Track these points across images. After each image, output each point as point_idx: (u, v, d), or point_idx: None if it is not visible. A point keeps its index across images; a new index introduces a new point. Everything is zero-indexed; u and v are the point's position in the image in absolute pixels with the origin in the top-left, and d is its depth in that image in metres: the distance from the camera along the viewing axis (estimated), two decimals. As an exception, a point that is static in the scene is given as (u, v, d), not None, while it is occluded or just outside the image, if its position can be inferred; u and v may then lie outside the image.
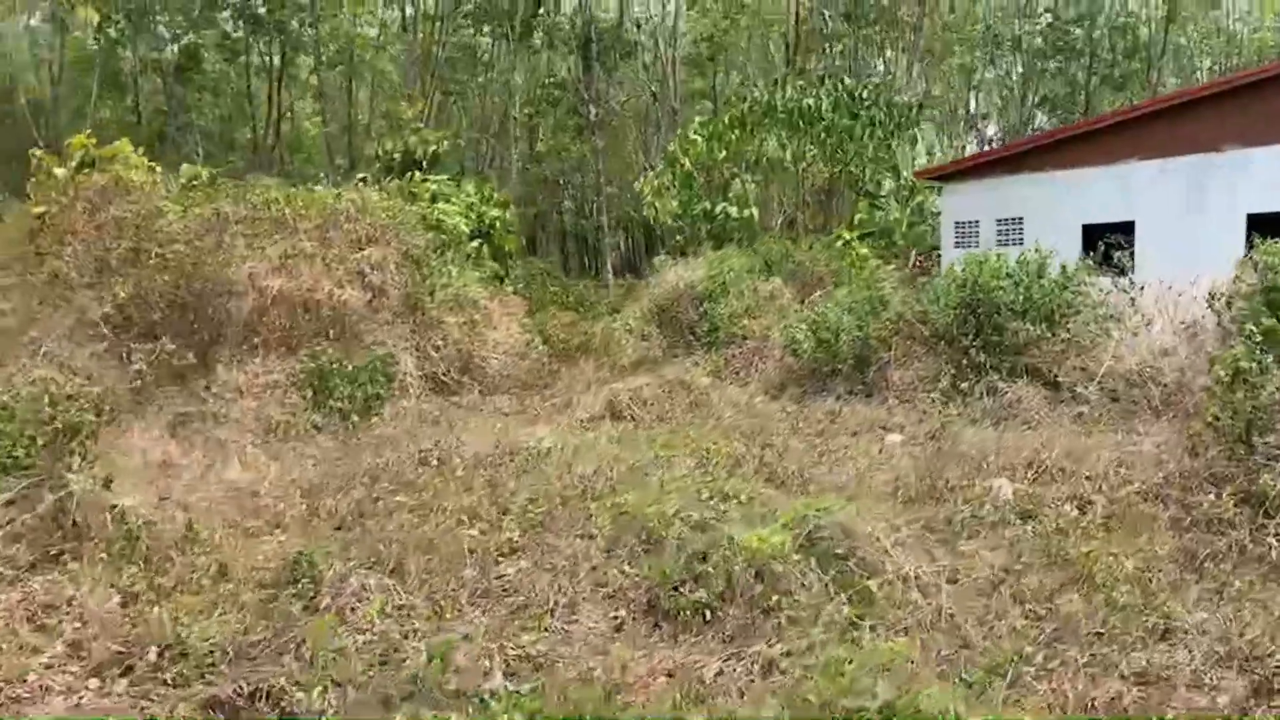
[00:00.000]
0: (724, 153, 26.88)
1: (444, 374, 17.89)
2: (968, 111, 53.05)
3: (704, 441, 11.99)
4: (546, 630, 6.78)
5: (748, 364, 19.78)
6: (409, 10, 40.15)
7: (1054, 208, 27.09)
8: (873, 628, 6.24)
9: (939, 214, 29.56)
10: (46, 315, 15.57)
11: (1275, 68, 23.97)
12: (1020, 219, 29.25)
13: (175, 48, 48.02)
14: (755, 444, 12.18)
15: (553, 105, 44.21)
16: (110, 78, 48.70)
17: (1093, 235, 23.40)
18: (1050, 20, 50.01)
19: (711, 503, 8.46)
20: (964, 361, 15.66)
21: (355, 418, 14.14)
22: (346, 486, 9.84)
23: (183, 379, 14.98)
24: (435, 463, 10.73)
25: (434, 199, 21.76)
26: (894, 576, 6.90)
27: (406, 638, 6.46)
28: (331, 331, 16.96)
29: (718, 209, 26.92)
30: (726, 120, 27.24)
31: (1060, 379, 15.23)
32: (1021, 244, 29.29)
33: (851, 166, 28.11)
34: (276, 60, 42.47)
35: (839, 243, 22.59)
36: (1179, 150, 26.59)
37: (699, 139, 26.93)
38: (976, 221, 31.24)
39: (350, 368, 14.88)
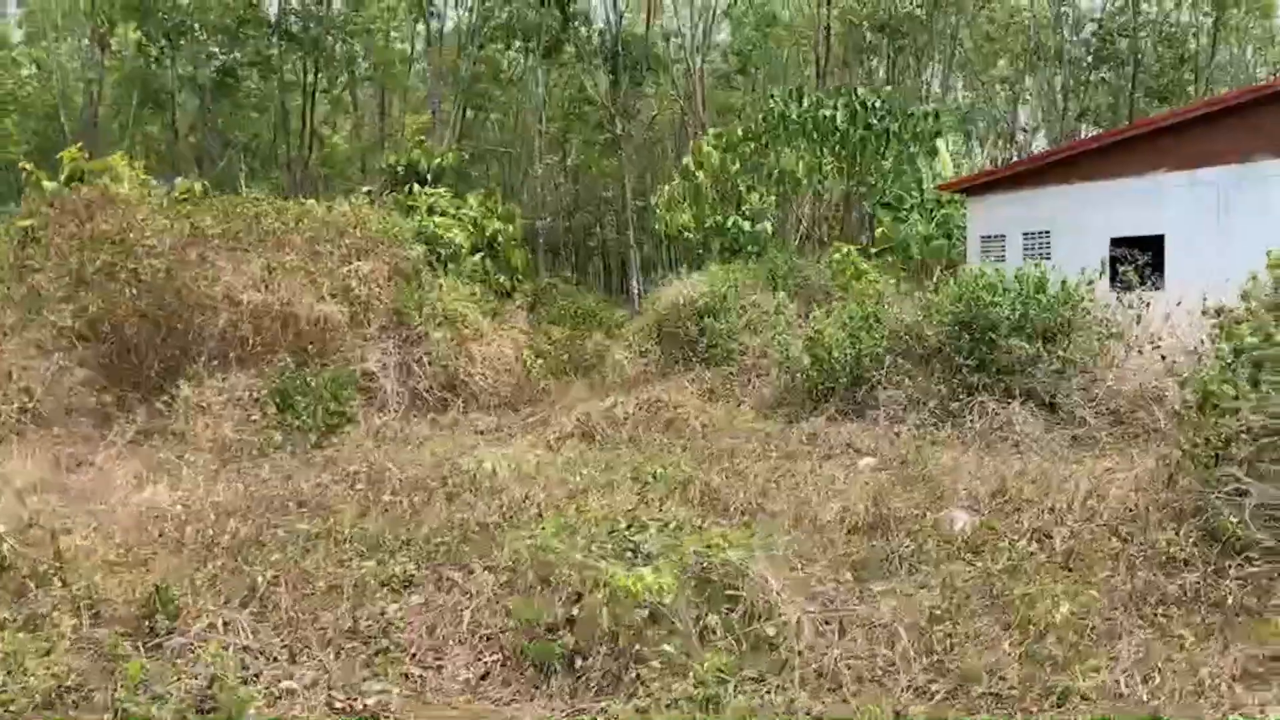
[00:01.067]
0: (736, 165, 26.27)
1: (426, 390, 17.47)
2: (1009, 124, 51.92)
3: (658, 465, 11.35)
4: (404, 677, 6.23)
5: (745, 382, 19.15)
6: (435, 25, 40.04)
7: (1081, 221, 26.13)
8: (740, 685, 5.59)
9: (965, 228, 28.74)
10: (19, 329, 15.44)
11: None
12: (1048, 232, 28.34)
13: (213, 65, 48.54)
14: (715, 468, 11.53)
15: (582, 120, 43.98)
16: (150, 96, 49.46)
17: (1122, 249, 22.51)
18: (1095, 29, 48.80)
19: (625, 534, 7.84)
20: (956, 381, 14.87)
21: (314, 436, 13.73)
22: (258, 511, 9.38)
23: (148, 395, 14.73)
24: (361, 486, 10.25)
25: (430, 212, 21.42)
26: (787, 623, 6.23)
27: (245, 683, 5.94)
28: (311, 347, 16.66)
29: (729, 222, 26.28)
30: (741, 132, 26.64)
31: (1058, 400, 14.38)
32: (1049, 258, 28.35)
33: (869, 179, 27.32)
34: (310, 77, 42.58)
35: (837, 256, 21.80)
36: (1209, 161, 25.61)
37: (712, 151, 26.35)
38: (1003, 235, 30.38)
39: (313, 384, 14.49)
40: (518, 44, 41.61)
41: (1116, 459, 11.87)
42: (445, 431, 15.11)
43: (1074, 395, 14.31)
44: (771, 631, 6.17)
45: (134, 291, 15.42)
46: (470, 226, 22.66)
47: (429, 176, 23.83)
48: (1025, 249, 28.93)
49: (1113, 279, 17.81)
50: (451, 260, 21.54)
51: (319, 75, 44.36)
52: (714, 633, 6.12)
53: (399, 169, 23.69)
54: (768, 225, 25.97)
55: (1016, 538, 8.76)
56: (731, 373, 19.33)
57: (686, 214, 26.86)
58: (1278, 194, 22.64)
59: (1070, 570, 8.10)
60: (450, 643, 6.62)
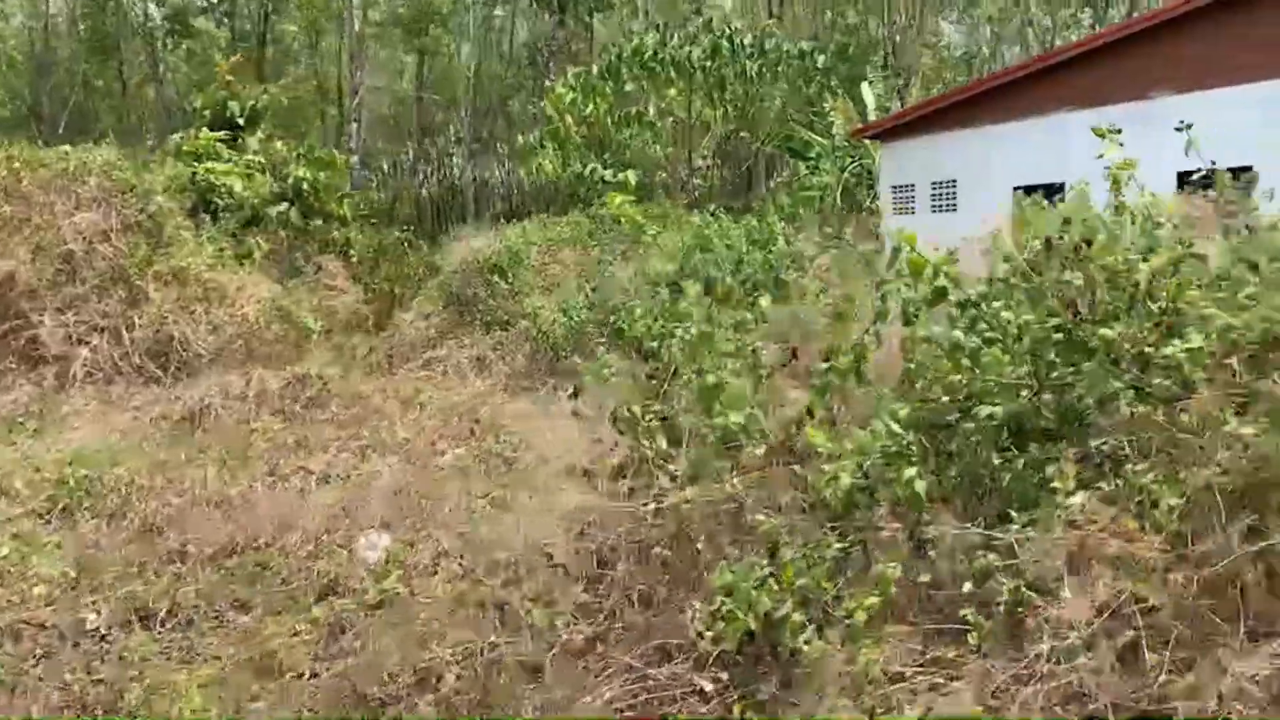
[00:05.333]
0: (591, 107, 23.94)
1: (121, 358, 15.67)
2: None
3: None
4: None
5: (514, 349, 17.12)
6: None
7: (986, 168, 23.52)
8: None
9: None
10: None
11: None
12: (955, 181, 25.73)
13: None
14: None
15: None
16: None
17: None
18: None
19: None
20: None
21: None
22: None
23: None
24: None
25: (199, 158, 19.52)
26: None
27: None
28: (-14, 311, 14.97)
29: (588, 170, 24.01)
30: (597, 71, 24.28)
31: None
32: (955, 210, 25.72)
33: (760, 123, 24.83)
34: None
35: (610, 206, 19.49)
36: (1114, 98, 22.72)
37: (565, 93, 24.04)
38: (912, 185, 27.74)
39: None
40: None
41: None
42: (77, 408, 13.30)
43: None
44: None
45: None
46: (261, 174, 20.74)
47: (240, 121, 21.90)
48: (933, 201, 26.33)
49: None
50: (231, 211, 19.66)
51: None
52: None
53: (205, 113, 21.81)
54: (630, 175, 23.67)
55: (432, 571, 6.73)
56: (501, 339, 17.28)
57: (548, 162, 24.69)
58: (1173, 134, 19.92)
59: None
60: None
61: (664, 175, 25.73)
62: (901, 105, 31.64)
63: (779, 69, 24.20)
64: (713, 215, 19.50)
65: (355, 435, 11.39)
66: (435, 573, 6.46)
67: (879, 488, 4.49)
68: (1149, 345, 4.08)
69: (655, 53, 23.65)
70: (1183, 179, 20.98)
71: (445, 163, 41.50)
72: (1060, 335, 4.34)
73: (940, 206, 25.88)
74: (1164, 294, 4.23)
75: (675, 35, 24.72)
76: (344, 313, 19.80)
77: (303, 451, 10.66)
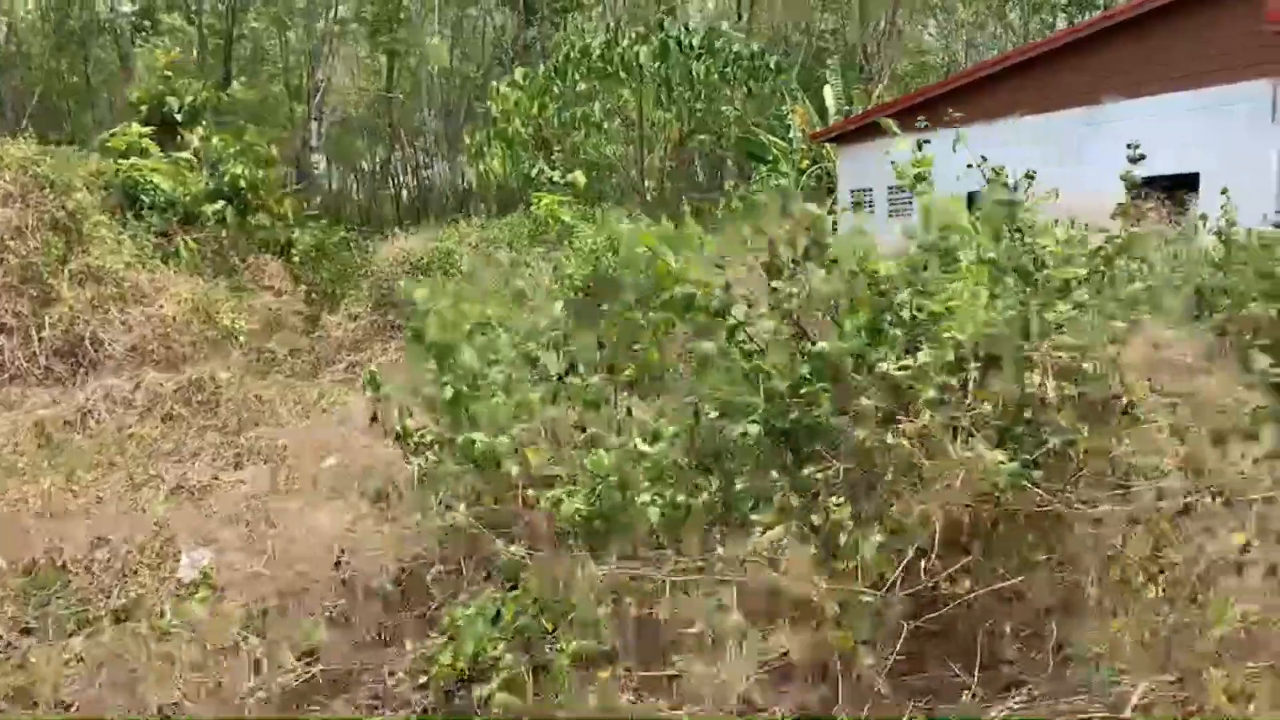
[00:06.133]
0: (535, 107, 23.53)
1: (28, 359, 15.25)
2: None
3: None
4: None
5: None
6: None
7: (939, 172, 23.21)
8: None
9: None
10: None
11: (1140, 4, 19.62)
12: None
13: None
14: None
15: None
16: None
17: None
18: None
19: None
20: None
21: None
22: None
23: None
24: None
25: (126, 155, 19.08)
26: None
27: None
28: None
29: (534, 171, 23.61)
30: (543, 72, 23.88)
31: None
32: (911, 216, 25.44)
33: (710, 124, 24.44)
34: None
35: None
36: (1062, 103, 22.48)
37: (509, 93, 23.63)
38: (870, 189, 27.45)
39: None
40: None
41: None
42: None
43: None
44: None
45: None
46: (193, 172, 20.30)
47: (179, 117, 21.49)
48: (890, 204, 26.04)
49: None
50: (158, 209, 19.18)
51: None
52: None
53: (141, 109, 21.38)
54: (579, 175, 23.27)
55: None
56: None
57: (496, 162, 24.29)
58: (1121, 140, 19.57)
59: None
60: None
61: (617, 178, 25.34)
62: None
63: (727, 70, 23.83)
64: (651, 219, 19.10)
65: (234, 442, 10.97)
66: (223, 600, 6.04)
67: (616, 514, 4.11)
68: (881, 360, 3.71)
69: (603, 53, 23.27)
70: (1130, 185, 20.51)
71: (410, 162, 41.22)
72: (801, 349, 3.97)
73: (898, 210, 25.56)
74: (906, 305, 3.87)
75: (626, 36, 24.34)
76: (277, 313, 19.33)
77: (172, 459, 10.25)
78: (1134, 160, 5.60)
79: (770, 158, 27.90)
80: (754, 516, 3.66)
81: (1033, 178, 5.43)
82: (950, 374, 3.55)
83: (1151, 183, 18.74)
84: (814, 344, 3.93)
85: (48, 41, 45.41)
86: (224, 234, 20.97)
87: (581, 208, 20.58)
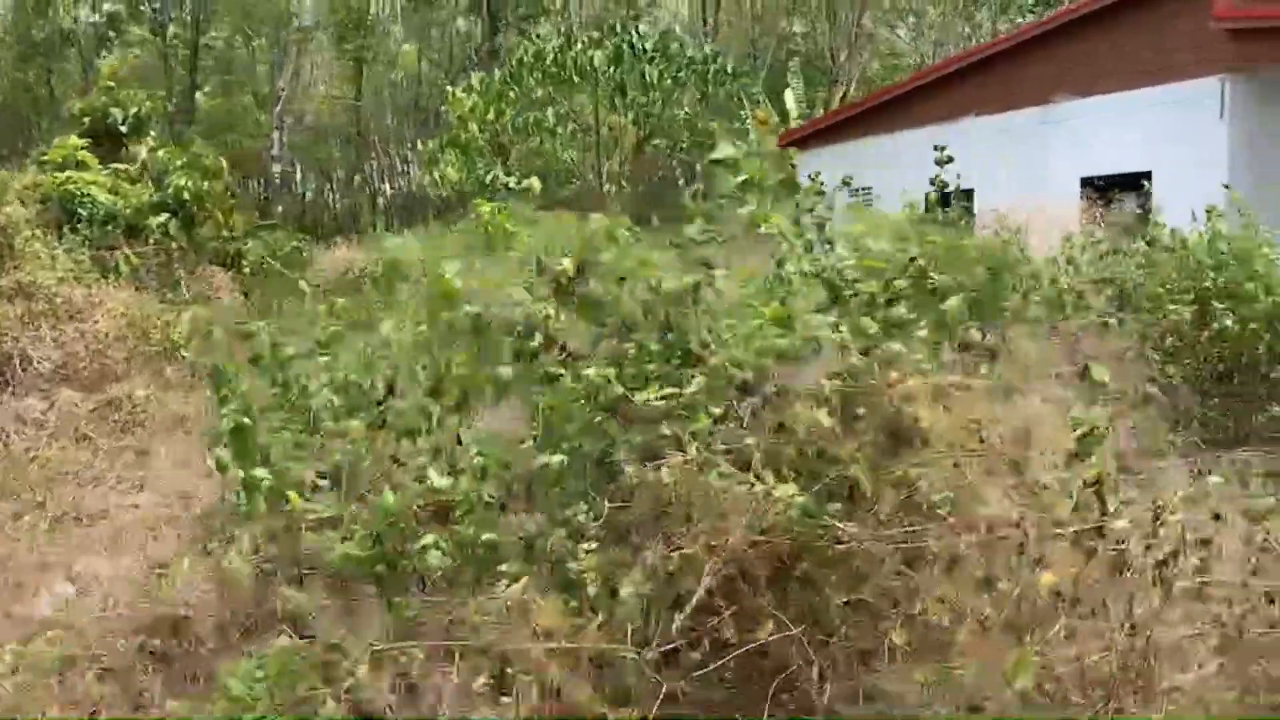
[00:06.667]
0: (490, 112, 23.24)
1: (-52, 378, 14.86)
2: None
3: None
4: None
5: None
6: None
7: (900, 175, 22.96)
8: None
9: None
10: None
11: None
12: (870, 189, 25.17)
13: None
14: None
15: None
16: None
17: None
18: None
19: None
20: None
21: None
22: None
23: None
24: None
25: (62, 167, 18.72)
26: None
27: None
28: None
29: (489, 178, 23.31)
30: (498, 77, 23.60)
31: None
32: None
33: (666, 129, 24.18)
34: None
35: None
36: (1018, 102, 22.31)
37: (464, 98, 23.35)
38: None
39: None
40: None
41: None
42: None
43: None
44: None
45: None
46: (133, 184, 19.95)
47: (123, 129, 21.14)
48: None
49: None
50: (97, 222, 18.82)
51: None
52: None
53: (84, 120, 21.04)
54: (535, 181, 22.81)
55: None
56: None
57: (451, 169, 24.00)
58: (1078, 139, 19.44)
59: None
60: None
61: (575, 183, 25.08)
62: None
63: (680, 75, 23.59)
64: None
65: (143, 465, 10.63)
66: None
67: (397, 560, 3.81)
68: (637, 390, 3.42)
69: (557, 58, 23.01)
70: (1086, 183, 20.44)
71: (385, 169, 40.89)
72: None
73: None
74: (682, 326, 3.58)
75: (580, 40, 24.09)
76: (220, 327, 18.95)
77: (71, 485, 9.89)
78: (940, 164, 5.32)
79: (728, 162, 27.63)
80: (501, 567, 3.37)
81: (849, 183, 5.12)
82: (723, 402, 3.27)
83: (1110, 181, 18.44)
84: (579, 372, 3.64)
85: (11, 53, 45.03)
86: (171, 247, 20.64)
87: (535, 214, 20.19)
